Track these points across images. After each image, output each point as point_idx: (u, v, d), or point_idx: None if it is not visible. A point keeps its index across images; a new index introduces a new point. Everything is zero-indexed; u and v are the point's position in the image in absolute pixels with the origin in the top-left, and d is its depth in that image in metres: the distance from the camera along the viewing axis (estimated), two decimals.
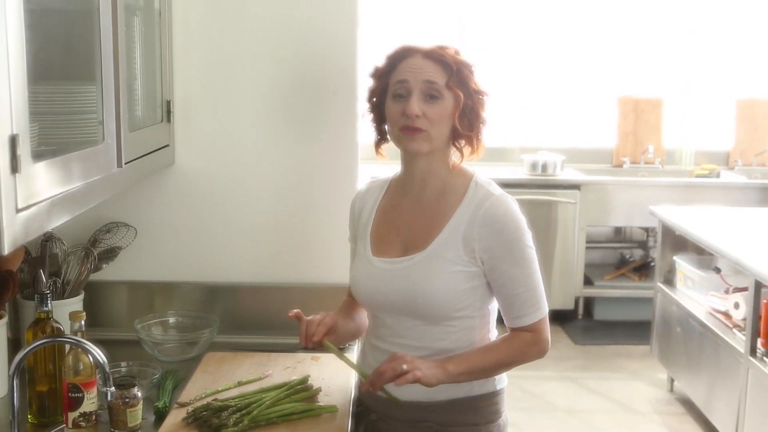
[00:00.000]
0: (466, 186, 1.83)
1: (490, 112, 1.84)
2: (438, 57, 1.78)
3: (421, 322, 1.82)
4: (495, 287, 1.81)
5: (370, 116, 1.90)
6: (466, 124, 1.80)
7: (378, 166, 2.17)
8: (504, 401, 1.92)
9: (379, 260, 1.87)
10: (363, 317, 2.02)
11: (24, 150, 1.26)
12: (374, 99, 1.87)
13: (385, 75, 1.83)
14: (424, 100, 1.77)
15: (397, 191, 1.93)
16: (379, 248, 1.89)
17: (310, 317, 1.86)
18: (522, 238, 1.80)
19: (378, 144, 1.91)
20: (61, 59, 1.71)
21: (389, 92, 1.82)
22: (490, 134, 1.87)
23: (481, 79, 1.84)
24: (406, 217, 1.88)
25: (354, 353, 2.18)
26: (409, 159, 1.86)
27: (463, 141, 1.83)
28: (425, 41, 1.82)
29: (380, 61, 1.86)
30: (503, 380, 1.91)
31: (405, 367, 1.69)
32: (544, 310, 1.83)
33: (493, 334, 1.90)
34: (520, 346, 1.82)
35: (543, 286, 1.84)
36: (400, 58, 1.82)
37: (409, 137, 1.78)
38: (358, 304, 2.00)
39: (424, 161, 1.83)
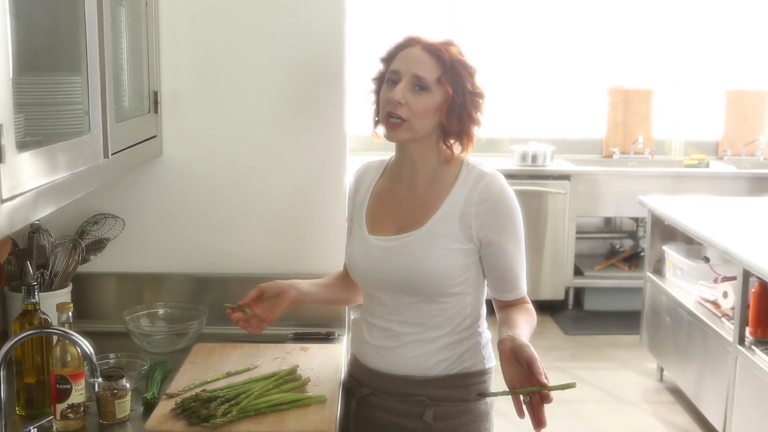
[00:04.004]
0: (458, 168, 1.88)
1: (485, 115, 1.87)
2: (435, 51, 1.81)
3: (416, 298, 1.85)
4: (489, 262, 1.86)
5: (373, 98, 1.93)
6: (455, 121, 1.83)
7: (366, 158, 2.17)
8: (492, 380, 1.96)
9: (375, 238, 1.90)
10: (342, 288, 2.09)
11: (8, 140, 1.25)
12: (376, 83, 1.92)
13: (386, 61, 1.88)
14: (412, 90, 1.80)
15: (391, 175, 1.96)
16: (375, 227, 1.92)
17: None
18: (515, 214, 1.87)
19: (375, 125, 1.94)
20: (46, 49, 1.70)
21: (386, 78, 1.85)
22: (482, 133, 1.91)
23: (481, 81, 1.86)
24: (400, 199, 1.91)
25: (344, 337, 2.18)
26: (399, 145, 1.90)
27: (452, 139, 1.86)
28: (433, 34, 1.85)
29: (388, 47, 1.91)
30: (492, 360, 1.95)
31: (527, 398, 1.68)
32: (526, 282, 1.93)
33: (483, 311, 1.94)
34: (532, 313, 1.90)
35: None
36: (401, 47, 1.86)
37: (390, 127, 1.83)
38: (344, 277, 2.06)
39: (413, 148, 1.87)
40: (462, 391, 1.89)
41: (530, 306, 1.92)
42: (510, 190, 1.88)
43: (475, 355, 1.91)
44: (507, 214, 1.85)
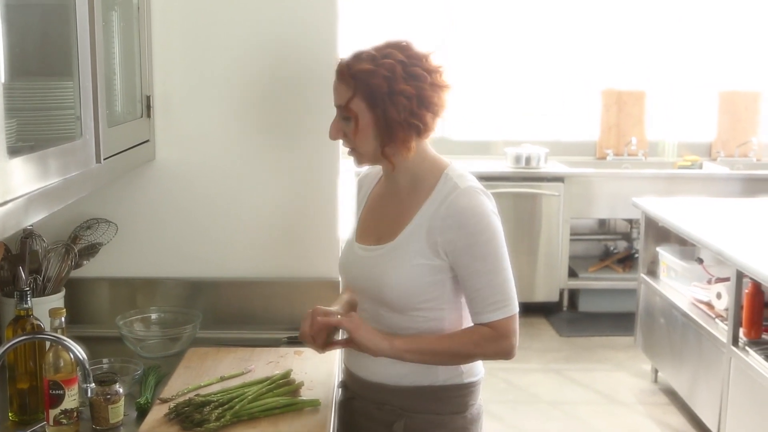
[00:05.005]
0: (437, 179, 1.81)
1: (412, 114, 1.74)
2: (340, 75, 1.78)
3: (389, 310, 1.83)
4: (460, 281, 1.79)
5: None
6: (386, 132, 1.76)
7: None
8: (474, 395, 1.90)
9: (359, 246, 1.90)
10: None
11: (0, 145, 1.25)
12: None
13: None
14: (343, 121, 1.79)
15: (385, 183, 1.95)
16: (362, 235, 1.92)
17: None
18: (485, 232, 1.75)
19: None
20: (38, 54, 1.69)
21: None
22: (444, 128, 1.85)
23: (412, 73, 1.73)
24: (385, 207, 1.90)
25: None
26: None
27: (387, 149, 1.78)
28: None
29: None
30: (473, 374, 1.89)
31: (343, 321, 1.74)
32: (509, 310, 1.77)
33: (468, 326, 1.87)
34: (477, 340, 1.78)
35: (512, 285, 1.79)
36: None
37: (351, 157, 1.84)
38: None
39: (383, 163, 1.84)
40: (437, 404, 1.85)
41: (488, 333, 1.76)
42: (483, 207, 1.76)
43: (451, 368, 1.85)
44: (474, 233, 1.74)
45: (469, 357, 1.84)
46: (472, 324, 1.82)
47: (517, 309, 1.80)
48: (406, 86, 1.72)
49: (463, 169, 1.86)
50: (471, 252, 1.75)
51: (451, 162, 1.87)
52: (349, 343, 1.78)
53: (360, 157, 1.83)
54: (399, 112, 1.73)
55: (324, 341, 1.83)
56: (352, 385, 1.95)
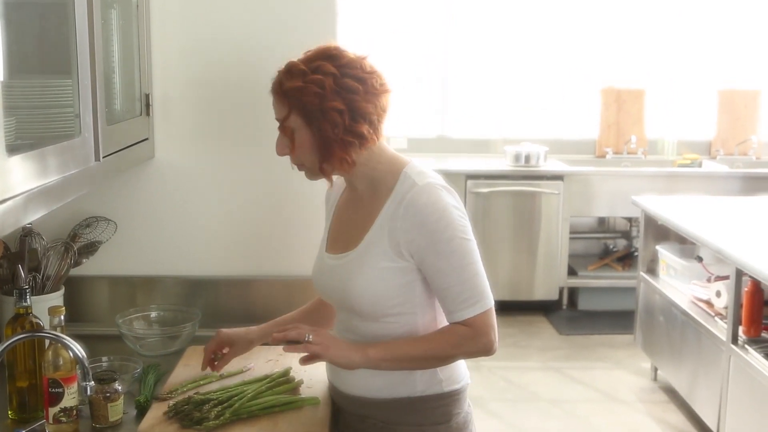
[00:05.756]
0: (396, 178, 1.75)
1: (346, 129, 1.68)
2: (275, 91, 1.74)
3: (360, 318, 1.79)
4: (428, 281, 1.74)
5: None
6: (324, 149, 1.71)
7: None
8: (458, 403, 1.85)
9: (328, 256, 1.87)
10: (316, 313, 2.05)
11: None
12: None
13: None
14: (287, 137, 1.75)
15: (347, 190, 1.90)
16: (332, 243, 1.88)
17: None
18: (447, 229, 1.69)
19: None
20: (36, 52, 1.70)
21: None
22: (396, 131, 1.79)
23: (344, 86, 1.68)
24: (350, 215, 1.85)
25: None
26: None
27: (327, 166, 1.74)
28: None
29: None
30: (454, 381, 1.84)
31: (310, 337, 1.69)
32: (484, 305, 1.71)
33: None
34: (455, 339, 1.73)
35: (483, 279, 1.73)
36: None
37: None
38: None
39: (321, 178, 1.81)
40: (417, 415, 1.80)
41: (465, 331, 1.71)
42: (443, 202, 1.70)
43: (429, 378, 1.80)
44: (436, 230, 1.68)
45: (448, 358, 1.79)
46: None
47: (491, 303, 1.73)
48: (337, 101, 1.67)
49: (424, 166, 1.80)
50: (434, 250, 1.69)
51: (410, 160, 1.80)
52: (307, 352, 1.72)
53: (311, 173, 1.78)
54: (333, 128, 1.68)
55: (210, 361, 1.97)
56: (336, 399, 1.90)
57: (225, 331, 2.00)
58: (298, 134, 1.72)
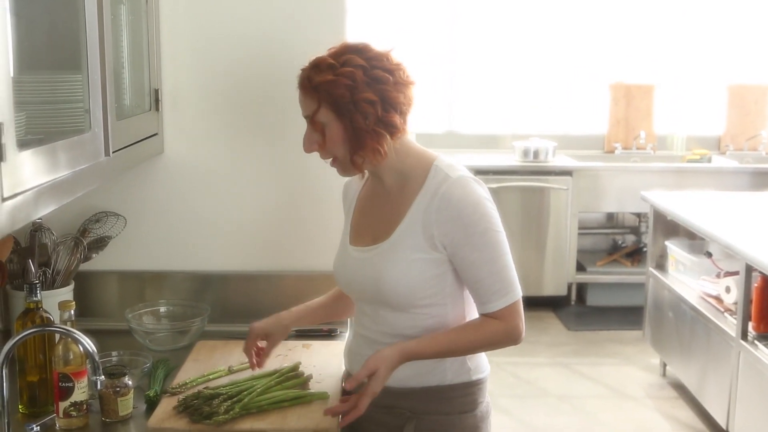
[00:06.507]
0: (426, 172, 1.78)
1: (379, 120, 1.71)
2: (304, 88, 1.74)
3: (390, 310, 1.81)
4: (460, 273, 1.76)
5: None
6: (355, 141, 1.72)
7: None
8: (483, 392, 1.88)
9: (353, 249, 1.87)
10: (339, 303, 2.05)
11: (9, 138, 1.25)
12: None
13: None
14: (315, 131, 1.75)
15: (369, 184, 1.92)
16: (356, 237, 1.89)
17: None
18: (481, 222, 1.72)
19: None
20: (47, 48, 1.70)
21: None
22: (416, 124, 1.79)
23: (374, 77, 1.70)
24: (376, 207, 1.87)
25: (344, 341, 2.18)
26: None
27: (356, 156, 1.75)
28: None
29: None
30: (480, 371, 1.87)
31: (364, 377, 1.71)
32: (513, 296, 1.76)
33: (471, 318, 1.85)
34: (488, 334, 1.77)
35: (513, 271, 1.77)
36: None
37: (335, 168, 1.81)
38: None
39: (354, 171, 1.81)
40: (446, 404, 1.83)
41: (497, 324, 1.76)
42: (477, 195, 1.74)
43: (459, 366, 1.83)
44: (471, 223, 1.71)
45: (479, 349, 1.83)
46: (475, 316, 1.81)
47: (520, 294, 1.78)
48: (369, 92, 1.69)
49: (452, 160, 1.83)
50: (469, 243, 1.72)
51: (438, 154, 1.83)
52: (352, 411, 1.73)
53: (344, 167, 1.79)
54: (365, 119, 1.70)
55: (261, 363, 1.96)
56: (358, 391, 1.88)
57: (257, 324, 1.98)
58: (328, 128, 1.73)
